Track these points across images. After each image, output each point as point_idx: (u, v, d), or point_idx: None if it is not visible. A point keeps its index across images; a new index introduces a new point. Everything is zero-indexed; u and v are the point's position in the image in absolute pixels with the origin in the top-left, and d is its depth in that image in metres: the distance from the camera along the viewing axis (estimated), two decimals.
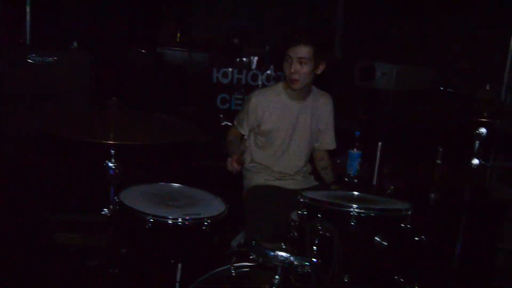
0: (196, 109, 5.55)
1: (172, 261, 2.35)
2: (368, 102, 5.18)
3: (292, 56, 2.92)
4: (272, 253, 2.00)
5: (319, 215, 2.16)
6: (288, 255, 2.00)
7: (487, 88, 2.45)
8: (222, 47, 5.92)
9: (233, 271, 2.30)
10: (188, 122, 2.74)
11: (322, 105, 3.22)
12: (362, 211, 2.14)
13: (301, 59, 2.90)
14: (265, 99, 3.11)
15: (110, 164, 2.26)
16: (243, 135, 3.23)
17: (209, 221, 2.36)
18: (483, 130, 2.27)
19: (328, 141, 3.34)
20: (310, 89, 3.15)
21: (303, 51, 2.89)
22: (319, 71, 3.02)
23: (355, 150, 3.66)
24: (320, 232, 2.12)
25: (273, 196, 3.07)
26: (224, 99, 5.74)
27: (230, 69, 5.72)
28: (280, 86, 3.16)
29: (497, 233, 4.06)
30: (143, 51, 5.21)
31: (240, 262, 2.32)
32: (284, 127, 3.12)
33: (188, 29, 6.02)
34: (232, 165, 2.86)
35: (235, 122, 3.25)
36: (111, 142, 2.12)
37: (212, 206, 2.53)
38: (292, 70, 2.92)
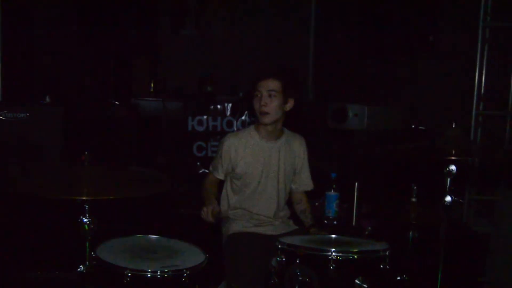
0: (172, 158, 5.54)
1: None
2: (342, 143, 5.24)
3: (261, 91, 3.00)
4: None
5: (297, 261, 2.16)
6: None
7: (453, 126, 2.52)
8: (195, 95, 5.97)
9: None
10: (163, 172, 2.73)
11: (296, 146, 3.25)
12: (340, 254, 2.15)
13: (270, 92, 2.99)
14: (238, 142, 3.14)
15: (85, 220, 2.23)
16: (220, 180, 3.23)
17: (188, 272, 2.32)
18: (453, 167, 2.31)
19: (305, 182, 3.35)
20: (282, 130, 3.20)
21: (272, 84, 2.99)
22: (287, 108, 3.08)
23: (332, 192, 3.69)
24: (300, 278, 2.11)
25: (252, 243, 3.04)
26: (200, 146, 5.75)
27: (205, 117, 5.75)
28: (252, 128, 3.20)
29: (480, 267, 4.08)
30: (116, 102, 5.22)
31: None
32: (258, 168, 3.13)
33: (161, 79, 6.07)
34: (207, 216, 2.87)
35: (210, 168, 3.27)
36: (85, 198, 2.09)
37: (191, 257, 2.50)
38: (262, 103, 2.99)
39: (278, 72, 3.05)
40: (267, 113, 3.01)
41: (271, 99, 3.00)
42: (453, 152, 2.31)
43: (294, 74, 3.14)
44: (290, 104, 3.08)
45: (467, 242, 4.34)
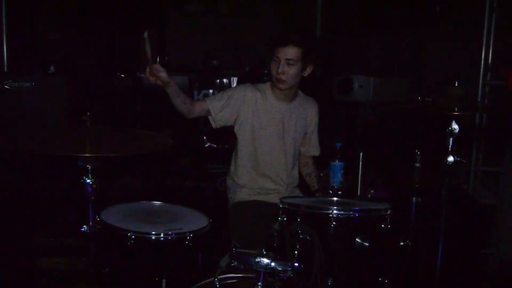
0: (178, 133, 5.54)
1: (156, 278, 2.32)
2: (347, 114, 5.22)
3: (280, 57, 2.90)
4: (253, 259, 1.99)
5: (298, 220, 2.16)
6: (270, 260, 1.99)
7: (456, 85, 2.49)
8: (201, 69, 5.95)
9: (217, 284, 2.28)
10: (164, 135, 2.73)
11: (309, 109, 3.21)
12: (341, 212, 2.15)
13: (288, 61, 2.89)
14: (252, 95, 3.06)
15: (88, 181, 2.24)
16: (206, 110, 3.07)
17: (191, 235, 2.33)
18: (455, 126, 2.29)
19: (314, 147, 3.33)
20: (296, 93, 3.15)
21: (291, 52, 2.88)
22: (306, 74, 3.00)
23: (337, 161, 3.68)
24: (301, 236, 2.12)
25: (257, 211, 3.04)
26: (206, 121, 5.75)
27: (211, 91, 5.74)
28: (268, 85, 3.13)
29: (484, 239, 4.08)
30: (122, 75, 5.21)
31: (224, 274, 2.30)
32: (270, 127, 3.09)
33: (167, 53, 6.05)
34: (147, 75, 2.79)
35: (206, 99, 3.11)
36: (87, 155, 2.09)
37: (195, 221, 2.51)
38: (280, 71, 2.90)
39: (299, 38, 2.90)
40: (283, 81, 2.95)
41: (289, 67, 2.90)
42: (456, 109, 2.28)
43: (316, 40, 3.01)
44: (308, 70, 3.00)
45: (472, 213, 4.35)
